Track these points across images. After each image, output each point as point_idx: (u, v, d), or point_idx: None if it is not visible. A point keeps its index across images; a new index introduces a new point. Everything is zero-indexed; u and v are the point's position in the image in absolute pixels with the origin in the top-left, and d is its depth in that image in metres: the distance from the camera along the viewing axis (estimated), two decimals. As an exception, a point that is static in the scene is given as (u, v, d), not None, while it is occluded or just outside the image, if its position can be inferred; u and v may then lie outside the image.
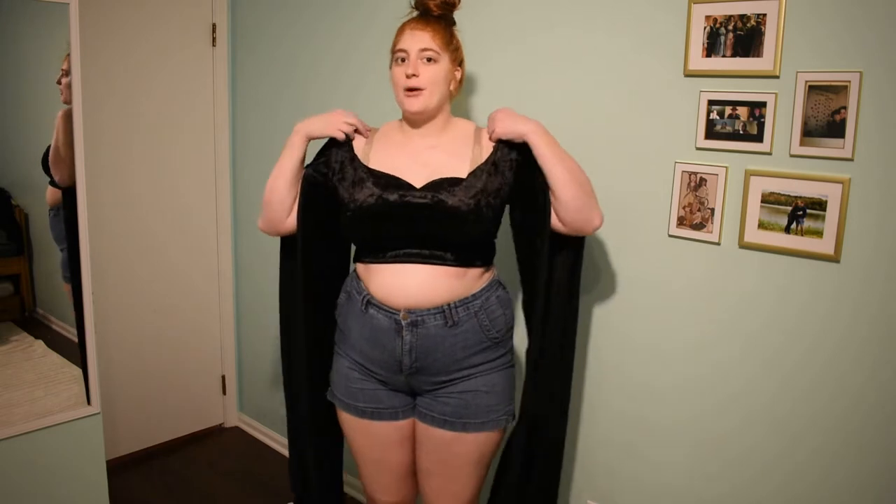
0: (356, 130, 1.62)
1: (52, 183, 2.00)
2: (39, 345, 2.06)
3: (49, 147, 1.94)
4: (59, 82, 1.93)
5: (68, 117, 1.92)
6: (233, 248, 2.98)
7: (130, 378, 2.72)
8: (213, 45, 2.79)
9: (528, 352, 1.58)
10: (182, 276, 2.84)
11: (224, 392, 3.07)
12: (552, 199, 1.47)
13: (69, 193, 1.97)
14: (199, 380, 2.97)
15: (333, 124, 1.59)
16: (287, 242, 1.71)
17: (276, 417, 2.90)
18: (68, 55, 1.90)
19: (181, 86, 2.72)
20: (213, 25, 2.77)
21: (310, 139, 1.59)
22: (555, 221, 1.49)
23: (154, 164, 2.69)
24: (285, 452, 2.85)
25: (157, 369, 2.81)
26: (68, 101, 1.92)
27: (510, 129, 1.50)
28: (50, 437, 1.98)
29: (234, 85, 2.85)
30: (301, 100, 2.55)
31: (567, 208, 1.45)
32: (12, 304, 2.09)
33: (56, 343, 2.06)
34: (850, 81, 1.35)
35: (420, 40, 1.48)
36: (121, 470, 2.64)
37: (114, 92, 2.53)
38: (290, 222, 1.62)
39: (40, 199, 2.02)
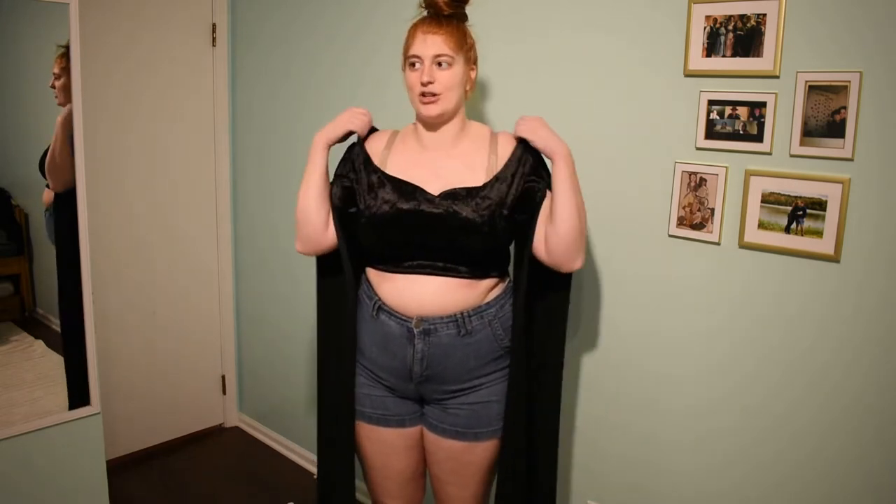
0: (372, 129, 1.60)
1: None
2: (39, 345, 2.05)
3: (47, 149, 1.94)
4: (52, 86, 1.92)
5: (66, 122, 1.92)
6: (233, 248, 2.98)
7: (130, 378, 2.72)
8: (213, 45, 2.79)
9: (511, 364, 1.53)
10: (182, 276, 2.84)
11: (224, 392, 3.07)
12: (550, 226, 1.43)
13: (61, 197, 1.96)
14: (199, 380, 2.97)
15: (349, 119, 1.56)
16: (323, 261, 1.65)
17: (276, 417, 2.90)
18: (60, 57, 1.89)
19: (181, 86, 2.72)
20: (213, 25, 2.77)
21: (330, 145, 1.55)
22: (540, 250, 1.46)
23: (154, 165, 2.69)
24: (285, 452, 2.85)
25: (157, 369, 2.81)
26: (63, 104, 1.92)
27: (544, 139, 1.45)
28: (50, 437, 1.98)
29: (234, 85, 2.85)
30: (301, 99, 2.55)
31: (559, 239, 1.42)
32: (12, 304, 2.09)
33: (56, 343, 2.06)
34: (850, 81, 1.35)
35: (433, 45, 1.44)
36: (121, 470, 2.64)
37: (114, 92, 2.53)
38: (329, 238, 1.56)
39: (40, 199, 2.02)
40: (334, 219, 1.55)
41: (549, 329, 1.57)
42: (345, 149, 1.62)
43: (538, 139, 1.46)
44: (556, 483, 1.64)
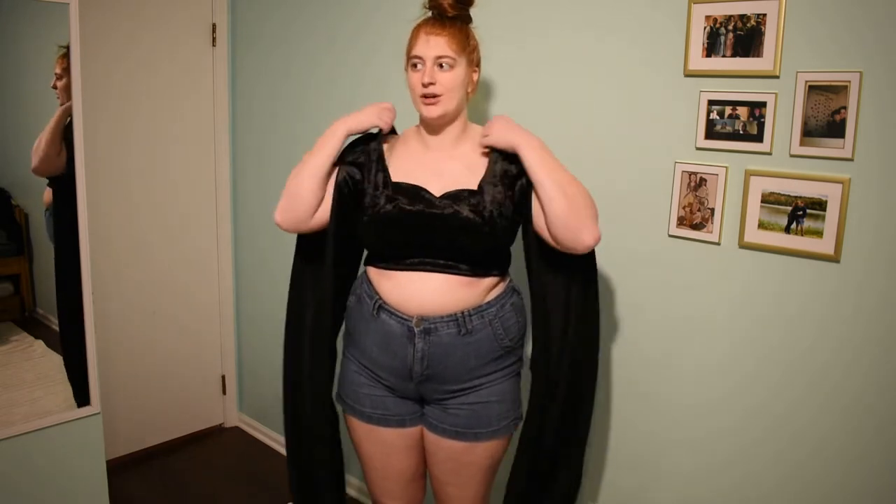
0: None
1: (50, 184, 2.00)
2: (39, 345, 2.06)
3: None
4: (54, 87, 1.92)
5: (64, 113, 1.92)
6: (233, 247, 2.98)
7: (130, 378, 2.72)
8: (213, 45, 2.79)
9: (534, 364, 1.53)
10: (182, 276, 2.84)
11: (224, 392, 3.07)
12: (543, 213, 1.42)
13: (59, 190, 1.97)
14: (199, 380, 2.97)
15: (378, 115, 1.55)
16: (304, 240, 1.64)
17: (276, 417, 2.90)
18: (61, 57, 1.90)
19: (181, 86, 2.72)
20: (213, 25, 2.77)
21: (350, 135, 1.54)
22: (547, 236, 1.44)
23: (154, 165, 2.69)
24: (285, 452, 2.85)
25: (157, 369, 2.81)
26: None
27: (503, 138, 1.46)
28: (50, 437, 1.98)
29: (234, 85, 2.85)
30: (301, 99, 2.55)
31: (554, 223, 1.40)
32: (12, 304, 2.09)
33: (56, 343, 2.06)
34: (850, 81, 1.35)
35: (436, 46, 1.44)
36: (121, 470, 2.64)
37: (113, 92, 2.53)
38: (317, 220, 1.54)
39: (40, 199, 2.02)
40: (333, 202, 1.53)
41: (581, 328, 1.54)
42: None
43: (499, 141, 1.46)
44: (578, 486, 1.62)
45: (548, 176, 1.40)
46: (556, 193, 1.39)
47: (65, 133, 1.94)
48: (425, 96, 1.46)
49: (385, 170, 1.52)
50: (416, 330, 1.47)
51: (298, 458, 1.73)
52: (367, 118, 1.54)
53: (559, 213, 1.39)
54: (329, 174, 1.53)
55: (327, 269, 1.57)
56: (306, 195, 1.51)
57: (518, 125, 1.48)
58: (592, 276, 1.54)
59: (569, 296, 1.51)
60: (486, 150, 1.51)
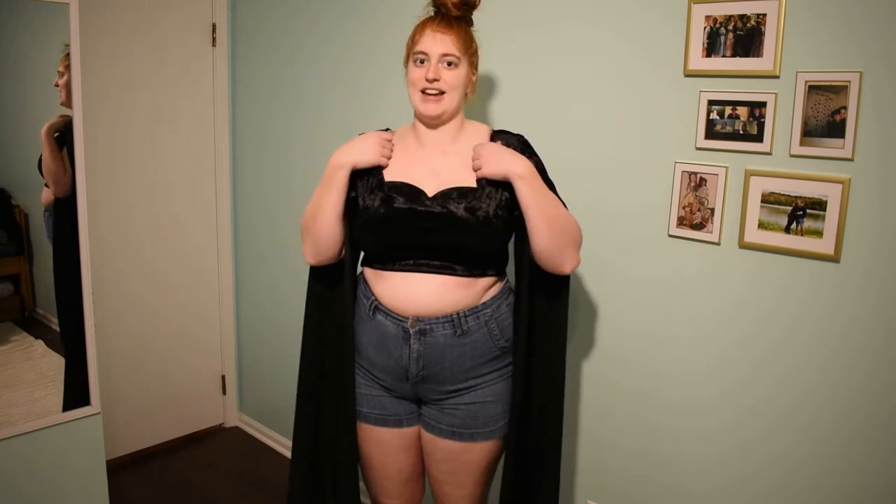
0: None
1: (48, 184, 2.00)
2: (39, 345, 2.05)
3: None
4: (56, 84, 1.92)
5: (50, 129, 1.92)
6: (232, 248, 2.98)
7: (130, 378, 2.72)
8: (213, 45, 2.79)
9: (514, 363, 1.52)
10: (182, 276, 2.84)
11: (224, 392, 3.07)
12: (529, 239, 1.43)
13: (61, 198, 1.97)
14: (199, 380, 2.97)
15: (378, 152, 1.51)
16: (319, 268, 1.62)
17: (276, 417, 2.90)
18: (66, 56, 1.90)
19: (181, 86, 2.72)
20: (213, 25, 2.77)
21: (353, 170, 1.51)
22: (533, 254, 1.46)
23: (154, 165, 2.69)
24: (285, 452, 2.85)
25: (157, 369, 2.81)
26: (67, 103, 1.92)
27: (494, 170, 1.42)
28: (50, 437, 1.98)
29: (234, 85, 2.85)
30: (301, 100, 2.55)
31: (538, 253, 1.43)
32: (12, 304, 2.09)
33: (56, 343, 2.06)
34: (850, 81, 1.35)
35: (442, 44, 1.44)
36: (121, 470, 2.64)
37: (113, 92, 2.53)
38: (341, 252, 1.57)
39: (40, 199, 2.02)
40: (344, 226, 1.54)
41: (550, 329, 1.56)
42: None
43: (491, 173, 1.43)
44: (559, 482, 1.63)
45: (539, 210, 1.40)
46: (543, 229, 1.41)
47: (62, 146, 1.94)
48: (426, 93, 1.46)
49: (380, 172, 1.52)
50: (411, 331, 1.47)
51: (312, 479, 1.68)
52: (371, 156, 1.50)
53: (544, 246, 1.42)
54: (342, 208, 1.50)
55: (348, 293, 1.56)
56: (331, 235, 1.52)
57: (507, 152, 1.45)
58: (565, 279, 1.54)
59: (539, 295, 1.52)
60: None
